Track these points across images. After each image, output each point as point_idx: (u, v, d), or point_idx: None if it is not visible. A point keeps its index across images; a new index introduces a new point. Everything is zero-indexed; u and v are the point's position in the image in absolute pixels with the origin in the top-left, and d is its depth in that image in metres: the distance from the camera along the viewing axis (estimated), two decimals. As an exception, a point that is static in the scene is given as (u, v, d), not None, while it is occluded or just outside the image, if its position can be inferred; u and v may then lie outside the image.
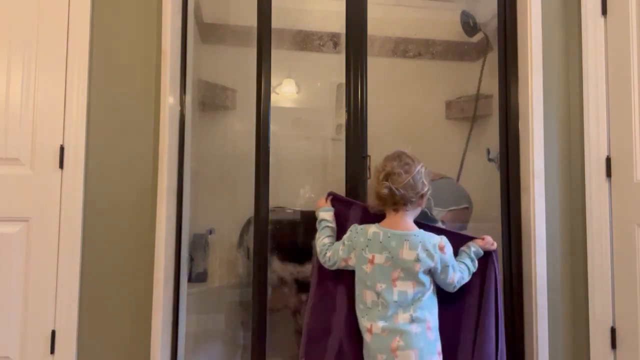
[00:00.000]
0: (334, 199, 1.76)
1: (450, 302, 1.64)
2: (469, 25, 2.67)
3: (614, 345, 1.94)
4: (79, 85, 1.91)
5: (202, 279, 2.46)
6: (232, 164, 2.63)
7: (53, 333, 1.84)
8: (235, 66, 2.71)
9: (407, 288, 1.54)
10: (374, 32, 2.37)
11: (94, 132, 1.92)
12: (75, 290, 1.86)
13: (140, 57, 1.96)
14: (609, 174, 2.00)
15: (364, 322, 1.57)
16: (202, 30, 2.59)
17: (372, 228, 1.60)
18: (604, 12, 2.04)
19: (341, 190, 1.91)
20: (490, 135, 2.30)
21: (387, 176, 1.57)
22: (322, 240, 1.69)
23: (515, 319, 1.99)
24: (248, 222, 2.42)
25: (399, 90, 2.81)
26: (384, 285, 1.54)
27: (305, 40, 2.85)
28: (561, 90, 2.10)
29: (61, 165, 1.89)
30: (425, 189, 1.60)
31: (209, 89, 2.65)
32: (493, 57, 2.29)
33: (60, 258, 1.86)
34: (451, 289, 1.61)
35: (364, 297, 1.57)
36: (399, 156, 1.61)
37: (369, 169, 1.89)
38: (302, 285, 2.25)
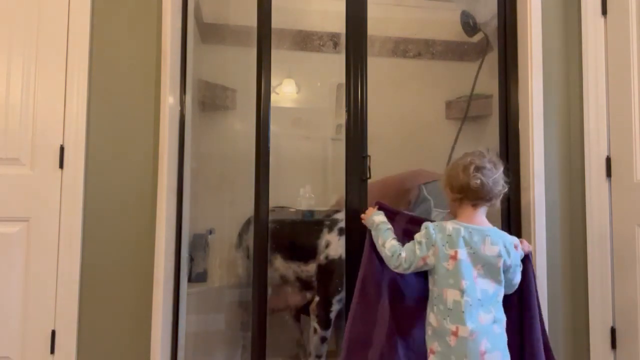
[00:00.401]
0: (380, 208, 1.73)
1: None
2: (469, 25, 2.66)
3: (614, 345, 1.94)
4: (79, 85, 1.91)
5: (202, 279, 2.46)
6: (232, 164, 2.63)
7: (53, 333, 1.84)
8: (235, 66, 2.71)
9: (487, 286, 1.51)
10: (374, 32, 2.37)
11: (94, 132, 1.92)
12: (75, 290, 1.86)
13: (140, 57, 1.96)
14: (609, 174, 2.00)
15: (446, 325, 1.48)
16: (202, 30, 2.59)
17: (450, 224, 1.56)
18: (604, 12, 2.04)
19: (341, 190, 1.92)
20: (490, 135, 2.30)
21: (478, 169, 1.55)
22: (390, 242, 1.60)
23: (515, 319, 2.00)
24: (247, 222, 2.42)
25: (399, 90, 2.81)
26: (468, 282, 1.49)
27: (305, 40, 2.85)
28: (561, 90, 2.10)
29: (61, 165, 1.89)
30: (505, 189, 1.60)
31: (209, 89, 2.65)
32: (492, 57, 2.29)
33: (60, 258, 1.86)
34: (511, 290, 1.60)
35: (445, 296, 1.50)
36: (482, 154, 1.60)
37: (369, 168, 1.89)
38: (305, 284, 2.25)
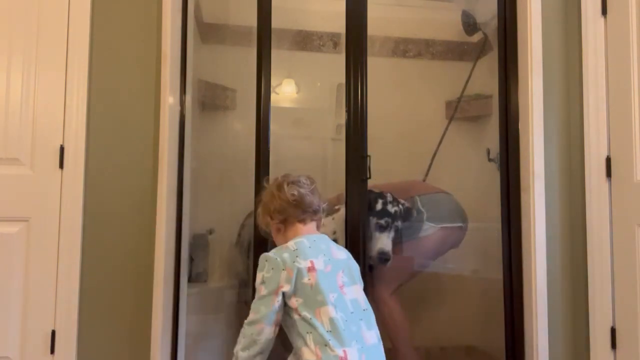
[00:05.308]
0: None
1: None
2: (469, 25, 2.67)
3: (614, 345, 1.94)
4: (79, 85, 1.91)
5: (202, 279, 2.46)
6: (232, 163, 2.62)
7: (53, 333, 1.84)
8: (235, 66, 2.71)
9: (356, 294, 1.40)
10: (374, 32, 2.37)
11: (94, 132, 1.92)
12: (75, 290, 1.86)
13: (140, 57, 1.96)
14: (609, 174, 2.00)
15: (330, 352, 1.26)
16: (202, 30, 2.58)
17: (289, 243, 1.41)
18: (604, 12, 2.04)
19: (340, 190, 1.91)
20: (490, 135, 2.30)
21: (293, 183, 1.49)
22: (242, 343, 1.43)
23: (515, 319, 2.00)
24: (243, 222, 2.41)
25: (399, 90, 2.81)
26: (335, 294, 1.34)
27: (305, 40, 2.85)
28: (561, 90, 2.10)
29: (61, 165, 1.89)
30: (324, 205, 1.53)
31: (209, 89, 2.65)
32: (492, 57, 2.29)
33: (60, 258, 1.86)
34: None
35: (319, 317, 1.31)
36: (290, 175, 1.54)
37: (369, 168, 1.89)
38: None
